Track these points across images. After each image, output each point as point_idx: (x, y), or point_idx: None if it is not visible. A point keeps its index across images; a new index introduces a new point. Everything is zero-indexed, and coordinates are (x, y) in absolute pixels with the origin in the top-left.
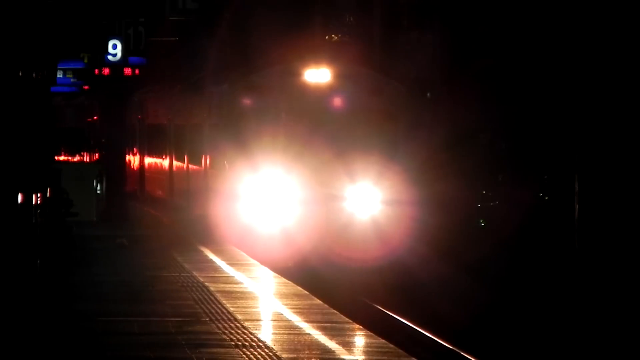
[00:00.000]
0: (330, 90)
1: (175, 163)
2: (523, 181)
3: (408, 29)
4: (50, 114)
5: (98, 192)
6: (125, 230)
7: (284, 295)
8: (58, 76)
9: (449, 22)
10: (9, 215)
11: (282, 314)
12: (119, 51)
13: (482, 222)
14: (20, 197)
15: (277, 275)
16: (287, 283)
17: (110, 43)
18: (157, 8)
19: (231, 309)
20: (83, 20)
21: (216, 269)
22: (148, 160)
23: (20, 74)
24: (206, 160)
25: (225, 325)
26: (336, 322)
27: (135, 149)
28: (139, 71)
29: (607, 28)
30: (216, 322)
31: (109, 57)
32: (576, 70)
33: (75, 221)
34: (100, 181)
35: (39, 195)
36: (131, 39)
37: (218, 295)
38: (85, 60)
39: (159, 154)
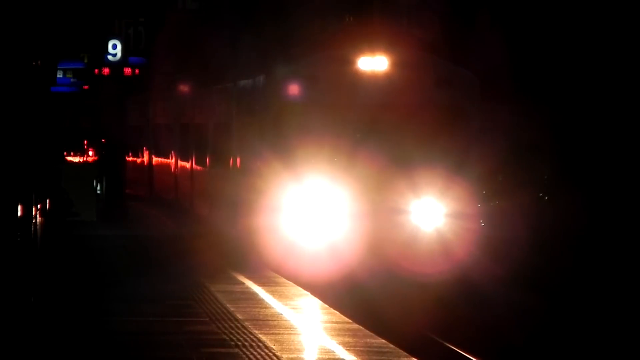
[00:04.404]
0: (389, 81)
1: (196, 167)
2: (523, 181)
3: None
4: (51, 114)
5: (98, 192)
6: (128, 233)
7: (285, 296)
8: (58, 76)
9: (450, 21)
10: (8, 215)
11: (281, 314)
12: (119, 51)
13: (482, 222)
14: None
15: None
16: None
17: (110, 43)
18: (157, 8)
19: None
20: (83, 20)
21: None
22: (161, 163)
23: (20, 74)
24: (235, 165)
25: (226, 325)
26: (336, 322)
27: (152, 151)
28: (139, 71)
29: (608, 29)
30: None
31: (109, 57)
32: (581, 70)
33: (75, 221)
34: (100, 181)
35: (39, 198)
36: (131, 39)
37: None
38: (85, 60)
39: (183, 157)
